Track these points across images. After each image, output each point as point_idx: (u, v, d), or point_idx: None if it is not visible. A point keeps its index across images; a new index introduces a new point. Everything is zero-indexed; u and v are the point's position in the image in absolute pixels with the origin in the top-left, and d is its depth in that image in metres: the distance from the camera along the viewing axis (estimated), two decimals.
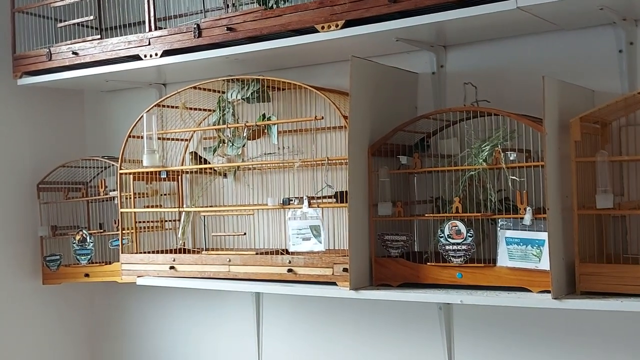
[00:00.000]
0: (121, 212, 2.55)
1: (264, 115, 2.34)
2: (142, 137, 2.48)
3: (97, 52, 2.61)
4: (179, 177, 2.70)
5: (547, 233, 1.79)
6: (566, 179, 1.84)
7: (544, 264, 1.82)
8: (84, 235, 2.75)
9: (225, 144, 2.41)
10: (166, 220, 2.66)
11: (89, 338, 3.18)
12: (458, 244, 1.96)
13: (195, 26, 2.36)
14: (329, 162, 2.19)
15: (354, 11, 2.06)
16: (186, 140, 2.70)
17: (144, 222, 2.60)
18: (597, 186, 1.83)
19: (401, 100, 2.28)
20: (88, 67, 2.66)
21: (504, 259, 1.90)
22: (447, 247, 1.97)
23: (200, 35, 2.36)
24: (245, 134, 2.35)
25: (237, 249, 2.50)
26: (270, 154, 2.41)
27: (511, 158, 1.91)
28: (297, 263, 2.15)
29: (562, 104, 1.87)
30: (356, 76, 2.01)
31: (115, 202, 2.63)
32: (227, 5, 2.34)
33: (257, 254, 2.27)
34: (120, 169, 2.54)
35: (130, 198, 2.55)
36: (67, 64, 2.67)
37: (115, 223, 2.66)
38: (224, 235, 2.57)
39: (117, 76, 2.70)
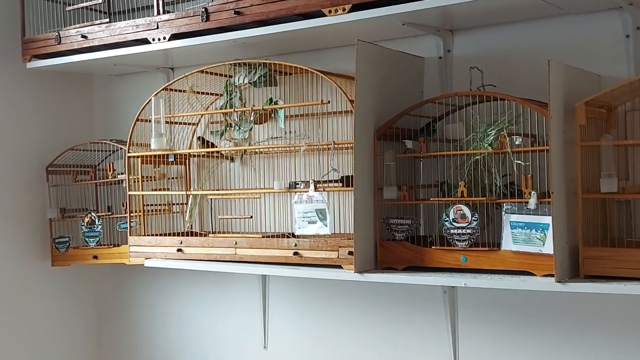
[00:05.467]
0: (129, 195, 2.58)
1: (270, 99, 2.35)
2: (150, 121, 2.49)
3: (105, 35, 2.62)
4: (187, 160, 2.71)
5: (551, 217, 1.80)
6: (571, 163, 1.84)
7: (548, 248, 1.82)
8: (92, 217, 2.78)
9: (232, 128, 2.43)
10: (174, 204, 2.68)
11: (97, 319, 3.22)
12: (463, 227, 1.97)
13: (202, 10, 2.37)
14: (335, 146, 2.20)
15: None
16: (194, 124, 2.71)
17: (151, 205, 2.62)
18: (601, 170, 1.83)
19: (407, 84, 2.29)
20: (97, 51, 2.67)
21: (508, 243, 1.91)
22: (451, 231, 1.98)
23: (207, 19, 2.37)
24: (252, 118, 2.36)
25: (244, 232, 2.52)
26: (277, 137, 2.42)
27: (516, 142, 1.91)
28: (302, 246, 2.17)
29: (568, 88, 1.87)
30: (362, 60, 2.02)
31: (124, 185, 2.66)
32: None
33: (263, 237, 2.28)
34: (129, 152, 2.56)
35: (138, 181, 2.57)
36: (76, 47, 2.69)
37: (123, 206, 2.68)
38: (231, 219, 2.59)
39: (125, 60, 2.72)
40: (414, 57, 2.32)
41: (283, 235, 2.25)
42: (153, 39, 2.50)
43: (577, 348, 2.16)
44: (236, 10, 2.30)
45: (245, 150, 2.54)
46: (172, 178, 2.72)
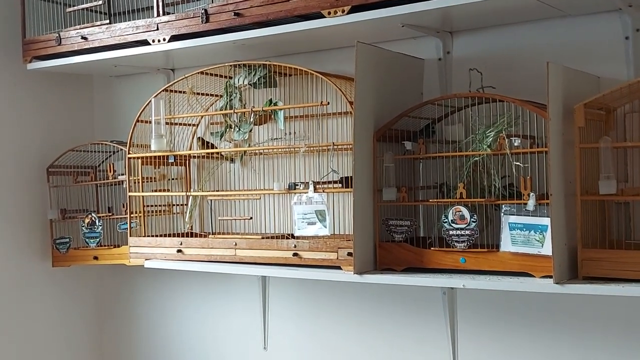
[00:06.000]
0: (129, 196, 2.58)
1: (270, 100, 2.35)
2: (150, 122, 2.50)
3: (105, 37, 2.62)
4: (187, 161, 2.72)
5: (550, 218, 1.80)
6: (570, 165, 1.85)
7: (547, 249, 1.83)
8: (93, 218, 2.78)
9: (232, 129, 2.43)
10: (174, 205, 2.69)
11: (97, 320, 3.22)
12: (462, 229, 1.97)
13: (202, 11, 2.37)
14: (335, 147, 2.20)
15: None
16: (194, 125, 2.72)
17: (151, 206, 2.62)
18: (600, 172, 1.83)
19: (407, 86, 2.29)
20: (97, 52, 2.67)
21: (507, 244, 1.91)
22: (450, 232, 1.99)
23: (207, 20, 2.37)
24: (252, 119, 2.36)
25: (244, 233, 2.52)
26: (277, 139, 2.43)
27: (515, 144, 1.91)
28: (302, 247, 2.17)
29: (567, 90, 1.87)
30: (361, 62, 2.02)
31: (124, 186, 2.66)
32: None
33: (263, 238, 2.29)
34: (129, 153, 2.56)
35: (138, 182, 2.57)
36: (76, 48, 2.69)
37: (123, 207, 2.68)
38: (231, 220, 2.60)
39: (125, 61, 2.72)
40: (414, 59, 2.32)
41: (282, 237, 2.26)
42: (153, 41, 2.51)
43: (576, 349, 2.16)
44: (236, 11, 2.30)
45: (245, 152, 2.54)
46: (172, 179, 2.72)
